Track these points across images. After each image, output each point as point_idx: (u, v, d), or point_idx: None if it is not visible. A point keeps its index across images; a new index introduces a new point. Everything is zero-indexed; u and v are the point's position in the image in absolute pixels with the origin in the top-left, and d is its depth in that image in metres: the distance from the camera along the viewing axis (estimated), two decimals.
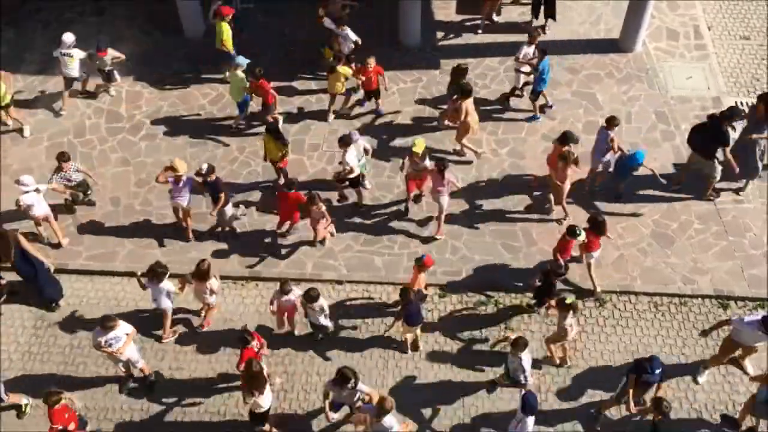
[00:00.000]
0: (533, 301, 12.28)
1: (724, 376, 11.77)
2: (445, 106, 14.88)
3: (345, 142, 12.91)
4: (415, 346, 11.99)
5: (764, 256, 13.02)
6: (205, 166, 12.49)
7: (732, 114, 12.94)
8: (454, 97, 13.94)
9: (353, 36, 14.96)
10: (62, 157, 13.02)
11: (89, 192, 13.79)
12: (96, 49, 14.77)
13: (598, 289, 12.51)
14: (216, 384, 11.82)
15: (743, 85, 15.76)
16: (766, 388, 10.34)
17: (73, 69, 14.90)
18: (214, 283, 11.61)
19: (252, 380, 10.08)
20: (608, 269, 12.83)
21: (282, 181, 13.81)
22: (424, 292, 12.11)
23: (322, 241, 13.23)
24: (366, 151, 13.41)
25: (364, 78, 14.48)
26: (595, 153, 13.43)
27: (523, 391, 10.25)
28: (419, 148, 12.62)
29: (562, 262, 12.13)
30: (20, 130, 15.03)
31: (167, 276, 11.37)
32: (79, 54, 14.78)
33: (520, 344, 10.47)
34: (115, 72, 15.30)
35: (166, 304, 11.75)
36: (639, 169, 13.17)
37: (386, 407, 9.64)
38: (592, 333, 12.26)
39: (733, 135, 13.35)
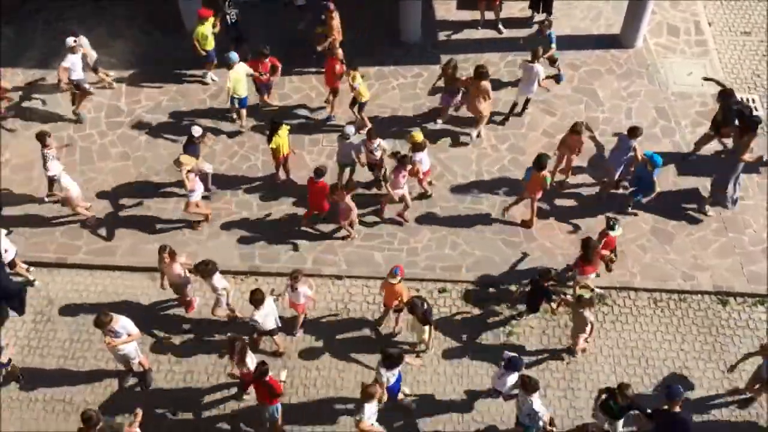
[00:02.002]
0: (522, 308, 12.19)
1: (723, 372, 11.80)
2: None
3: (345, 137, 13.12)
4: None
5: (764, 253, 13.03)
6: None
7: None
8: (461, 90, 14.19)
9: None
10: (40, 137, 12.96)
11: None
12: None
13: (596, 291, 12.52)
14: (215, 377, 11.83)
15: (744, 81, 15.74)
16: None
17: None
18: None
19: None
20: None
21: (283, 175, 14.00)
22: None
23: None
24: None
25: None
26: (613, 162, 13.15)
27: (508, 355, 10.51)
28: (418, 138, 12.87)
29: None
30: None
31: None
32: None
33: (529, 386, 9.90)
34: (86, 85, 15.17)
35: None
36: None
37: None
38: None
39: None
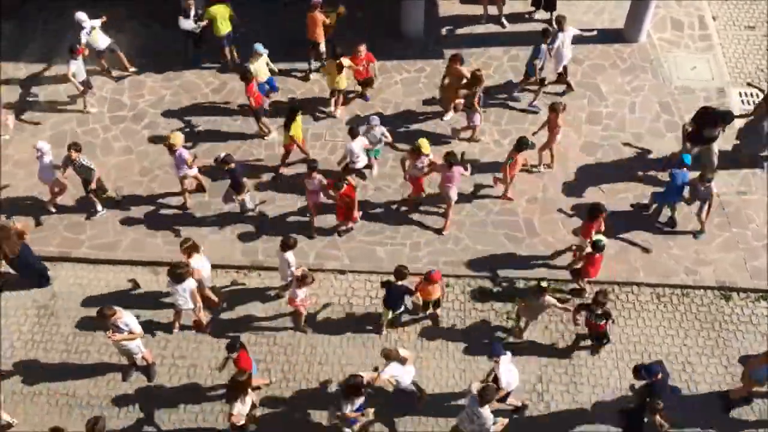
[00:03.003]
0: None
1: (726, 367, 11.80)
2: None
3: (352, 134, 13.21)
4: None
5: (766, 248, 13.00)
6: (222, 154, 12.77)
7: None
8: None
9: None
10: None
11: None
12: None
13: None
14: (218, 372, 11.84)
15: (747, 76, 15.69)
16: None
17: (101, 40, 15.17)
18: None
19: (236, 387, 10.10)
20: (611, 260, 12.82)
21: (284, 169, 14.07)
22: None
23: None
24: (384, 135, 13.56)
25: (356, 66, 14.46)
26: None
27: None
28: (425, 149, 12.52)
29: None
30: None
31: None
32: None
33: (485, 399, 9.73)
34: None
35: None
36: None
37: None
38: None
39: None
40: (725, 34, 16.56)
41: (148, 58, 16.14)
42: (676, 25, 16.62)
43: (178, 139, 12.93)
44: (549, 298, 11.18)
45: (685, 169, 12.54)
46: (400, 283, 11.26)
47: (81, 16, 14.80)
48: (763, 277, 12.64)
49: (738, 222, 13.35)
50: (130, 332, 10.87)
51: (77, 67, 14.46)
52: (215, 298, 12.32)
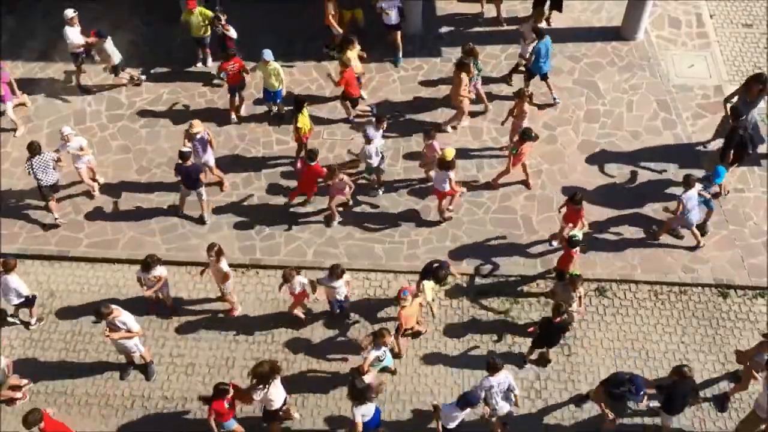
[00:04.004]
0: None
1: (723, 364, 11.82)
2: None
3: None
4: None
5: (764, 245, 13.02)
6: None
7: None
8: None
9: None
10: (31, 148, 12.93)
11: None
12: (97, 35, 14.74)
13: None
14: (216, 370, 11.86)
15: (745, 74, 15.66)
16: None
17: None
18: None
19: (261, 377, 10.08)
20: (609, 258, 12.84)
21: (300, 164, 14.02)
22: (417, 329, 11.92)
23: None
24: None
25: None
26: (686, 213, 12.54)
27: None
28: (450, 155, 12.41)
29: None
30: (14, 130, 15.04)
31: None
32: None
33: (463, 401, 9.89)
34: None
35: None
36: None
37: None
38: (592, 321, 12.29)
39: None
40: (723, 32, 16.57)
41: (150, 57, 16.13)
42: (674, 22, 16.63)
43: (199, 125, 13.00)
44: (580, 290, 11.20)
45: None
46: None
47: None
48: (761, 275, 12.65)
49: (736, 219, 13.37)
50: (128, 330, 10.86)
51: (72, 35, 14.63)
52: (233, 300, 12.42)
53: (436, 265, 11.46)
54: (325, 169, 12.79)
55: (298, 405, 11.49)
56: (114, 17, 16.67)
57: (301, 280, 11.54)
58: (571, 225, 12.21)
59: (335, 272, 11.32)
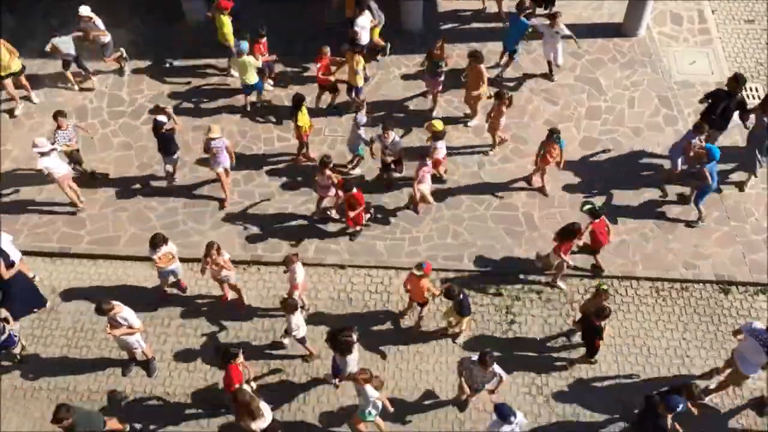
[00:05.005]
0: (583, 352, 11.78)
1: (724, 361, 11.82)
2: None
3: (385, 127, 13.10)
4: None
5: (765, 242, 13.02)
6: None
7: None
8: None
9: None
10: (60, 114, 13.06)
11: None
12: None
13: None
14: (218, 367, 11.86)
15: (747, 70, 15.68)
16: None
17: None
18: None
19: (242, 409, 9.92)
20: (610, 254, 12.84)
21: (304, 159, 14.17)
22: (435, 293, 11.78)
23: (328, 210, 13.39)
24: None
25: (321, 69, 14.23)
26: (673, 153, 13.09)
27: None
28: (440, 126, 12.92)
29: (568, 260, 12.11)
30: (11, 110, 15.08)
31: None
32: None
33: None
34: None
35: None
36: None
37: None
38: None
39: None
40: (724, 29, 16.55)
41: (150, 55, 16.14)
42: (676, 19, 16.61)
43: (217, 131, 13.00)
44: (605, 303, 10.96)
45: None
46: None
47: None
48: (762, 271, 12.65)
49: (737, 216, 13.36)
50: (129, 327, 10.88)
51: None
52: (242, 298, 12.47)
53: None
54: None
55: (300, 401, 11.51)
56: (115, 15, 16.64)
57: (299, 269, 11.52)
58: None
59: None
